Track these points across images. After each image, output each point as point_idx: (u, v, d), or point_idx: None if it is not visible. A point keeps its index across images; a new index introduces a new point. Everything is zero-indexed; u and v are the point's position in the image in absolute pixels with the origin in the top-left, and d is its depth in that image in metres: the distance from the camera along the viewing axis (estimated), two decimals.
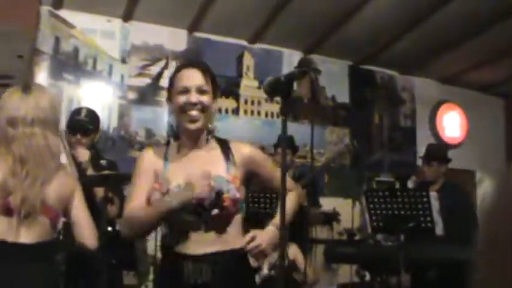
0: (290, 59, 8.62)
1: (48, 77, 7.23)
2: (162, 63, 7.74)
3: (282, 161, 2.42)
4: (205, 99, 2.66)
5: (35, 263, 2.72)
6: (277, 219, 2.69)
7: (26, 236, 2.71)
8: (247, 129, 7.94)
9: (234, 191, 2.63)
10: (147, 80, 7.66)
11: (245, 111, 8.08)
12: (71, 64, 7.36)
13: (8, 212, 2.67)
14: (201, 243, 2.60)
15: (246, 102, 8.10)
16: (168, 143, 2.83)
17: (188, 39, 7.99)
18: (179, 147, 2.76)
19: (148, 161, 2.74)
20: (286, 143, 2.50)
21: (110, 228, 4.56)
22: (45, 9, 7.32)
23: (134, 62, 7.65)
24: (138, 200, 2.66)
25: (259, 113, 8.12)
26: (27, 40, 6.83)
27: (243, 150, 2.79)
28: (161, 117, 7.58)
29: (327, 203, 7.78)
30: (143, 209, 2.63)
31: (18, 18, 6.63)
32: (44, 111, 2.85)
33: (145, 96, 7.60)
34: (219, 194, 2.58)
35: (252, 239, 2.65)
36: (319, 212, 7.19)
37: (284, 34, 8.14)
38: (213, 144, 2.79)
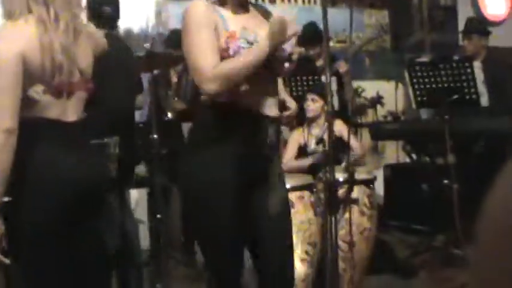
0: None
1: None
2: None
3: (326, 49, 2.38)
4: None
5: (85, 144, 2.67)
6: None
7: (74, 114, 2.56)
8: None
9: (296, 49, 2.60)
10: None
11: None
12: None
13: (60, 93, 2.46)
14: (272, 104, 2.60)
15: None
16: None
17: None
18: (225, 7, 2.59)
19: (206, 12, 2.49)
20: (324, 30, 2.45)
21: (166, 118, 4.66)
22: None
23: None
24: (214, 55, 2.45)
25: (296, 1, 8.01)
26: None
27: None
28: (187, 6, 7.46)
29: (370, 87, 7.78)
30: (236, 60, 2.44)
31: None
32: None
33: None
34: (291, 46, 2.53)
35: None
36: (362, 102, 7.21)
37: None
38: (255, 10, 2.71)
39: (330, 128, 2.48)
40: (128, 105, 4.37)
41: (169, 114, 5.11)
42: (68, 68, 2.44)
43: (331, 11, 7.19)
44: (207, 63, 2.43)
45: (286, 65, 2.57)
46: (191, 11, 2.52)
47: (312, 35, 5.43)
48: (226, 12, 2.55)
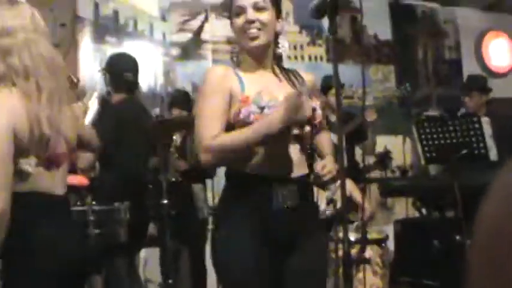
0: None
1: (91, 42, 7.34)
2: (201, 17, 7.73)
3: (336, 100, 2.37)
4: (264, 16, 2.57)
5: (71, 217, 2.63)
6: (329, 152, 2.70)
7: (62, 186, 2.51)
8: None
9: (319, 110, 2.57)
10: (189, 35, 7.68)
11: (288, 57, 8.04)
12: (112, 27, 7.44)
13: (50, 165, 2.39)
14: (288, 165, 2.55)
15: (288, 47, 8.09)
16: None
17: None
18: (247, 68, 2.64)
19: (222, 76, 2.55)
20: (335, 80, 2.45)
21: (173, 179, 4.67)
22: None
23: (174, 18, 7.67)
24: (217, 125, 2.48)
25: (302, 57, 8.09)
26: (68, 8, 6.93)
27: (308, 76, 2.78)
28: (205, 70, 7.59)
29: (378, 142, 7.78)
30: (238, 134, 2.45)
31: None
32: (41, 22, 2.48)
33: (188, 51, 7.63)
34: (314, 110, 2.50)
35: (324, 166, 2.53)
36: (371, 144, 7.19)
37: None
38: (280, 69, 2.71)
39: (343, 188, 2.43)
40: (142, 169, 4.39)
41: (173, 175, 5.13)
42: (55, 139, 2.37)
43: (339, 67, 7.32)
44: (207, 132, 2.47)
45: (308, 129, 2.55)
46: (206, 77, 2.58)
47: (329, 87, 5.49)
48: (246, 74, 2.58)
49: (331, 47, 2.40)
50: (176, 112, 5.60)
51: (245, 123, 2.47)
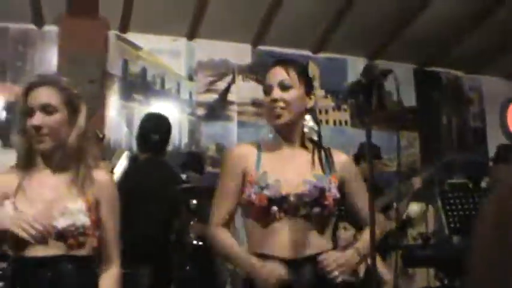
0: (354, 66, 8.57)
1: (119, 98, 7.46)
2: (228, 78, 7.86)
3: (369, 171, 2.37)
4: (288, 95, 2.62)
5: None
6: (361, 244, 2.64)
7: None
8: None
9: (335, 190, 2.57)
10: (215, 96, 7.80)
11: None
12: (140, 85, 7.57)
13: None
14: (305, 245, 2.54)
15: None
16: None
17: (252, 53, 8.09)
18: (272, 144, 2.70)
19: (238, 157, 2.67)
20: (371, 151, 2.46)
21: (195, 242, 4.65)
22: (112, 33, 7.56)
23: (201, 78, 7.81)
24: (225, 207, 2.63)
25: (327, 122, 8.13)
26: (97, 65, 7.05)
27: (341, 156, 2.75)
28: (231, 131, 7.72)
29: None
30: (229, 247, 2.61)
31: (88, 44, 6.86)
32: None
33: (214, 111, 7.74)
34: (322, 190, 2.52)
35: (334, 260, 2.53)
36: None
37: (347, 41, 8.12)
38: (310, 145, 2.72)
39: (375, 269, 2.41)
40: (165, 232, 4.38)
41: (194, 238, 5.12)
42: None
43: (361, 133, 7.34)
44: (215, 216, 2.67)
45: (316, 210, 2.54)
46: (224, 157, 2.78)
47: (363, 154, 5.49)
48: (268, 152, 2.66)
49: (366, 128, 2.39)
50: (189, 174, 5.60)
51: (248, 202, 2.55)
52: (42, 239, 2.31)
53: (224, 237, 2.63)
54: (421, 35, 7.96)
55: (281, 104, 2.61)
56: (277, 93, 2.62)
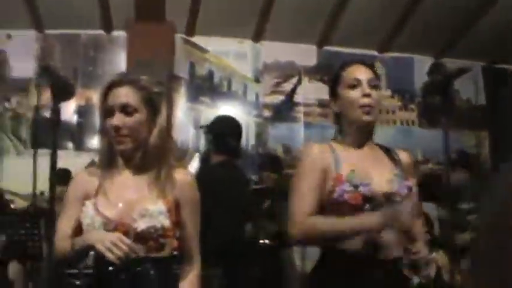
0: (421, 65, 8.48)
1: (186, 101, 7.57)
2: (294, 80, 7.89)
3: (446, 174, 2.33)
4: (376, 93, 2.56)
5: None
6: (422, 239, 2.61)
7: None
8: (383, 138, 7.87)
9: (415, 188, 2.53)
10: (281, 97, 7.84)
11: (380, 121, 8.01)
12: (207, 87, 7.67)
13: None
14: (387, 245, 2.46)
15: (380, 111, 8.05)
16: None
17: (318, 54, 8.09)
18: (348, 143, 2.61)
19: (319, 153, 2.55)
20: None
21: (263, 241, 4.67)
22: (179, 37, 7.67)
23: (267, 80, 7.87)
24: (311, 202, 2.48)
25: (394, 122, 8.06)
26: (165, 68, 7.15)
27: (403, 154, 2.70)
28: (297, 132, 7.75)
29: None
30: (331, 222, 2.44)
31: (155, 48, 6.97)
32: None
33: (281, 112, 7.78)
34: (410, 189, 2.47)
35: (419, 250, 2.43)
36: None
37: (413, 40, 8.02)
38: (379, 149, 2.67)
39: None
40: (237, 234, 4.41)
41: (263, 238, 5.14)
42: None
43: (429, 133, 7.28)
44: (300, 209, 2.48)
45: (409, 204, 2.47)
46: (304, 153, 2.60)
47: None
48: (343, 151, 2.56)
49: (443, 128, 2.33)
50: (266, 175, 5.63)
51: (338, 202, 2.45)
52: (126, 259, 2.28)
53: (318, 218, 2.48)
54: (490, 31, 7.79)
55: (372, 102, 2.55)
56: (368, 89, 2.55)
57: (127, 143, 2.42)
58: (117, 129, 2.39)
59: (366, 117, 2.54)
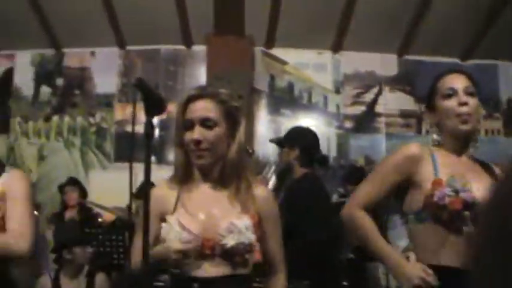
0: (506, 71, 8.26)
1: (266, 113, 7.59)
2: (375, 90, 7.80)
3: None
4: (473, 101, 2.54)
5: None
6: None
7: None
8: None
9: None
10: (362, 108, 7.77)
11: None
12: (287, 99, 7.68)
13: None
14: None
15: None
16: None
17: (399, 63, 7.99)
18: (446, 149, 2.59)
19: (412, 157, 2.55)
20: None
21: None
22: (258, 49, 7.71)
23: (348, 91, 7.81)
24: (373, 195, 2.57)
25: (478, 131, 7.84)
26: (245, 81, 7.20)
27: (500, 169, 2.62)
28: (379, 143, 7.65)
29: None
30: (371, 235, 2.51)
31: (235, 62, 7.03)
32: None
33: (362, 123, 7.71)
34: None
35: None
36: None
37: (496, 45, 7.82)
38: (473, 161, 2.63)
39: None
40: (321, 247, 4.38)
41: (348, 252, 5.09)
42: None
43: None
44: (359, 198, 2.59)
45: None
46: (399, 151, 2.59)
47: None
48: (440, 156, 2.53)
49: None
50: (352, 188, 5.56)
51: (438, 205, 2.39)
52: (204, 254, 2.31)
53: (367, 221, 2.53)
54: None
55: (469, 110, 2.52)
56: (465, 97, 2.53)
57: (206, 157, 2.38)
58: (197, 143, 2.35)
59: (463, 126, 2.52)
